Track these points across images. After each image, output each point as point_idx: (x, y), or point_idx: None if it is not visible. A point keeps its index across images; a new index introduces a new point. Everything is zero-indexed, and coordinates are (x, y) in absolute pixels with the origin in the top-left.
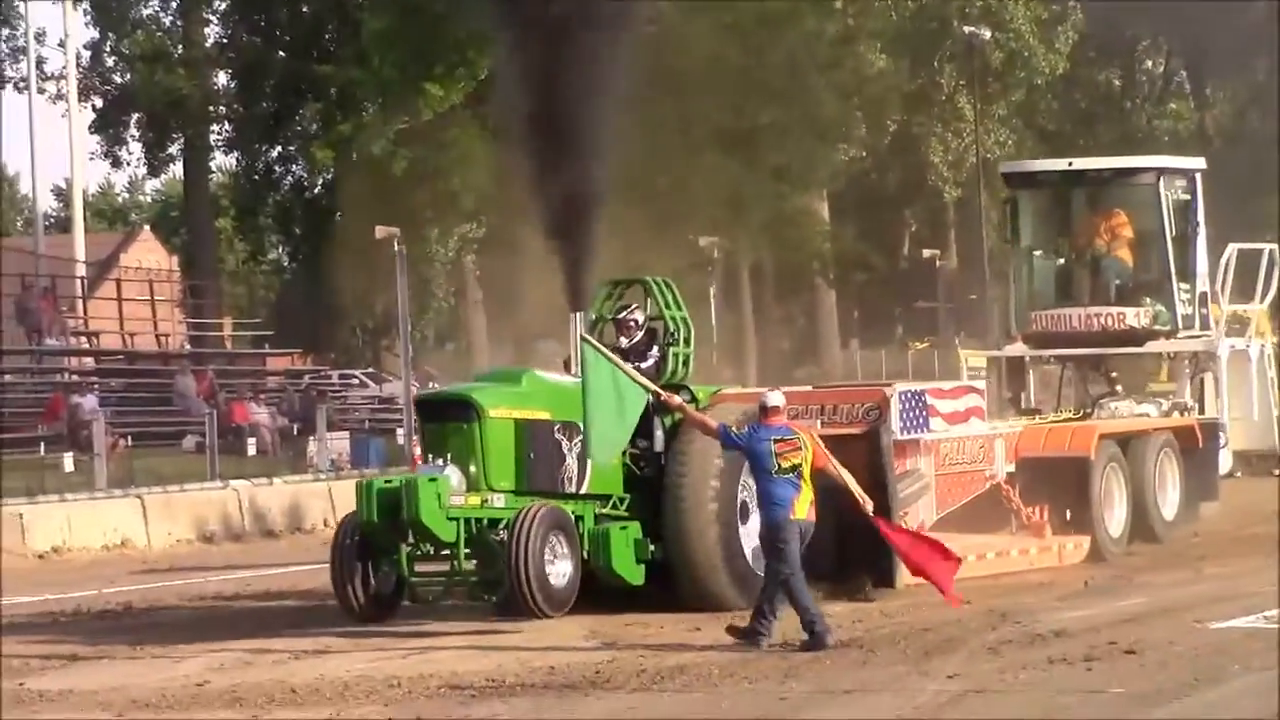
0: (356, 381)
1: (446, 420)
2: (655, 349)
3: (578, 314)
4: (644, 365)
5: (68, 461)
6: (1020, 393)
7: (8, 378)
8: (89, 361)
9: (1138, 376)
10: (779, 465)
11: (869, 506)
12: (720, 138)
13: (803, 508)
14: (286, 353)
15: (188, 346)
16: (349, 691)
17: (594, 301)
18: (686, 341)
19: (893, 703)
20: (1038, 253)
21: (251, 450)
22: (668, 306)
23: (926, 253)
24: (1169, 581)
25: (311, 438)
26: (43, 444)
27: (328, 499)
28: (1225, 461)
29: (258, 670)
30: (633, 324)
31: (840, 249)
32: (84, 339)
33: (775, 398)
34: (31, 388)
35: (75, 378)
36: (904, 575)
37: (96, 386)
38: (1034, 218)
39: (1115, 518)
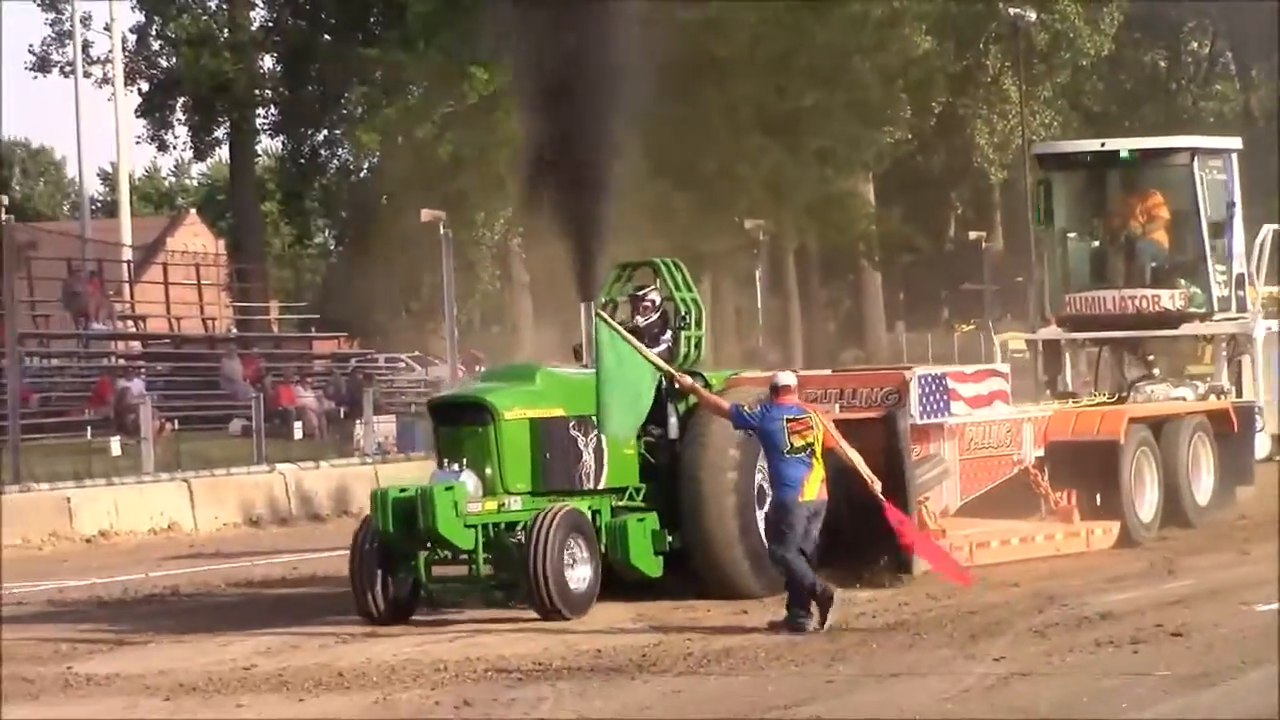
0: (403, 365)
1: (461, 424)
2: (669, 333)
3: (588, 303)
4: (657, 349)
5: (114, 445)
6: (1056, 376)
7: (55, 361)
8: (136, 345)
9: (1179, 360)
10: (791, 444)
11: (877, 487)
12: (764, 120)
13: (813, 488)
14: (333, 336)
15: (234, 330)
16: (395, 675)
17: (604, 284)
18: (698, 324)
19: (939, 686)
20: (1071, 234)
21: (298, 434)
22: (678, 288)
23: (972, 235)
24: (1214, 564)
25: (358, 421)
26: (90, 428)
27: (374, 483)
28: (1263, 445)
29: (304, 654)
30: (649, 304)
31: (886, 231)
32: (130, 323)
33: (786, 377)
34: (78, 372)
35: (122, 362)
36: (921, 560)
37: (143, 370)
38: (1068, 199)
39: (1146, 502)
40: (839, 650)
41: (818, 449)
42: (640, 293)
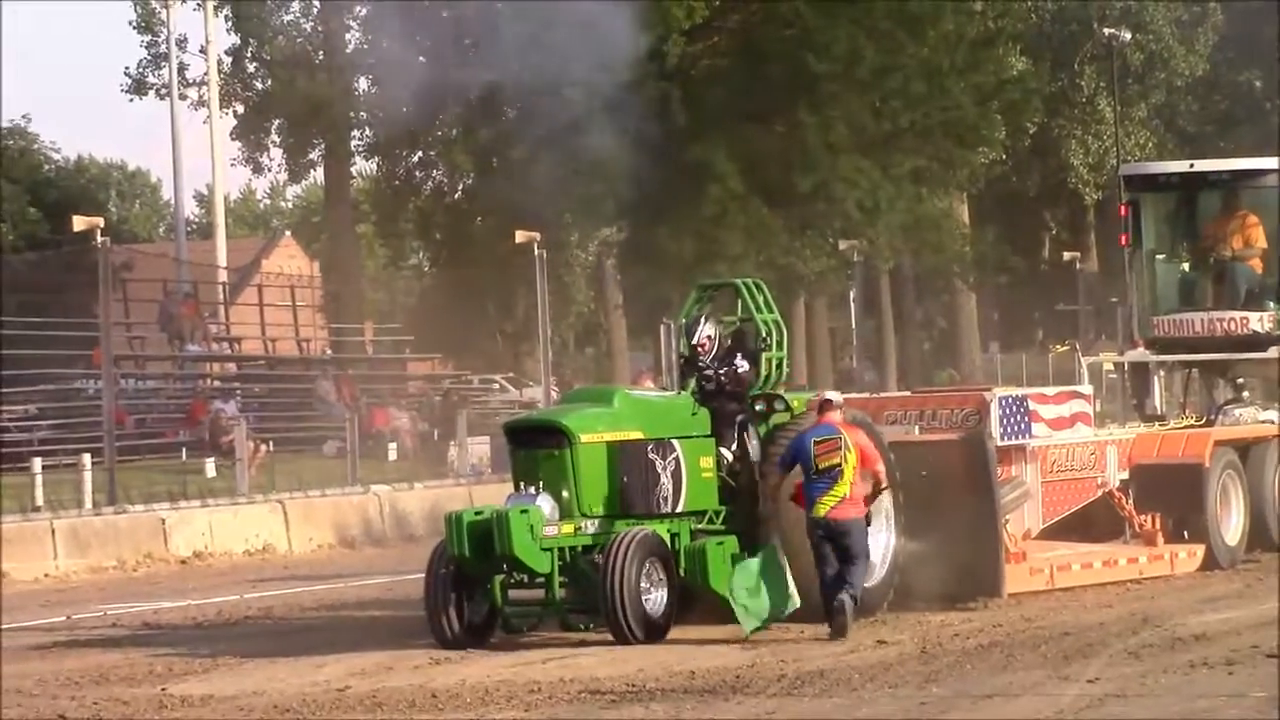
0: (497, 386)
1: (537, 447)
2: (739, 356)
3: (668, 324)
4: (740, 372)
5: (209, 467)
6: (1145, 399)
7: (150, 383)
8: (231, 367)
9: (1271, 383)
10: (816, 466)
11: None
12: (860, 140)
13: (824, 506)
14: (427, 357)
15: (328, 352)
16: (489, 697)
17: (684, 307)
18: (779, 345)
19: (1033, 706)
20: (1160, 256)
21: (392, 455)
22: (759, 310)
23: (1067, 255)
24: None
25: (452, 442)
26: (184, 450)
27: (468, 504)
28: None
29: (398, 675)
30: (705, 341)
31: (980, 251)
32: (226, 345)
33: (831, 395)
34: (173, 393)
35: (217, 383)
36: (1010, 583)
37: (238, 392)
38: (1156, 221)
39: (1232, 526)
40: (933, 672)
41: (846, 470)
42: (696, 340)
